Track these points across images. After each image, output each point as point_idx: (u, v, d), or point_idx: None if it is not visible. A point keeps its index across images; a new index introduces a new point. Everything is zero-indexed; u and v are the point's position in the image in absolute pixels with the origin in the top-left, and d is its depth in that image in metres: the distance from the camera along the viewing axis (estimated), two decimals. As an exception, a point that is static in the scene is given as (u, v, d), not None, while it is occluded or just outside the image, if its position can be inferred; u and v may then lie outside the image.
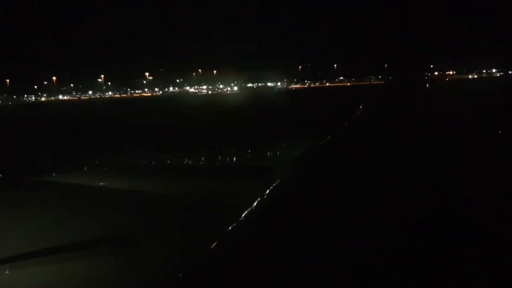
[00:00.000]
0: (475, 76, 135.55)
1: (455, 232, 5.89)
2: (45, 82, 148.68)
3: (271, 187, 8.52)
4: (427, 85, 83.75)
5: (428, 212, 6.95)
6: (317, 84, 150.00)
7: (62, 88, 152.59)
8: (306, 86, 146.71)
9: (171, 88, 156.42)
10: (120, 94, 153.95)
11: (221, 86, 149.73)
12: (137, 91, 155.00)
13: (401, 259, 5.21)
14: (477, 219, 6.37)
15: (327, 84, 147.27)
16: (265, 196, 7.87)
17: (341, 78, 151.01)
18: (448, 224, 6.27)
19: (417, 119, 22.85)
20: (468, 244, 5.44)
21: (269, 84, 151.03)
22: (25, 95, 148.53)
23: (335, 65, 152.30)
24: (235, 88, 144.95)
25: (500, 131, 16.17)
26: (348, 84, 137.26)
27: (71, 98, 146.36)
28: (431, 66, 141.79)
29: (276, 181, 9.17)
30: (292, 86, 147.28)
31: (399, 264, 5.08)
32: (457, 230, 6.02)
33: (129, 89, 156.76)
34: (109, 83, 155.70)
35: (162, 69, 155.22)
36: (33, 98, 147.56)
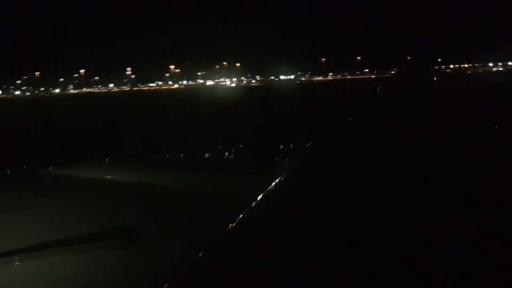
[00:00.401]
0: (501, 69, 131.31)
1: (458, 232, 5.68)
2: (76, 75, 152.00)
3: (274, 183, 8.34)
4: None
5: (434, 211, 6.69)
6: (338, 76, 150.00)
7: (74, 81, 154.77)
8: (330, 78, 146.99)
9: (187, 81, 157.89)
10: (150, 86, 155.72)
11: (242, 79, 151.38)
12: (158, 84, 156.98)
13: (401, 259, 5.03)
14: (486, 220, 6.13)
15: (348, 76, 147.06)
16: (266, 193, 7.69)
17: (366, 70, 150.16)
18: (454, 225, 6.04)
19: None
20: (470, 245, 5.24)
21: (288, 77, 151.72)
22: (51, 88, 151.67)
23: (358, 58, 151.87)
24: (252, 81, 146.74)
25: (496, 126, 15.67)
26: (373, 76, 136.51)
27: (99, 90, 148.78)
28: (439, 59, 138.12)
29: (281, 175, 8.99)
30: (315, 78, 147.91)
31: (399, 264, 4.91)
32: (461, 230, 5.80)
33: (158, 82, 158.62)
34: (133, 76, 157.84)
35: (187, 62, 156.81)
36: (58, 90, 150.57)
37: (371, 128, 18.05)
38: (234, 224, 6.44)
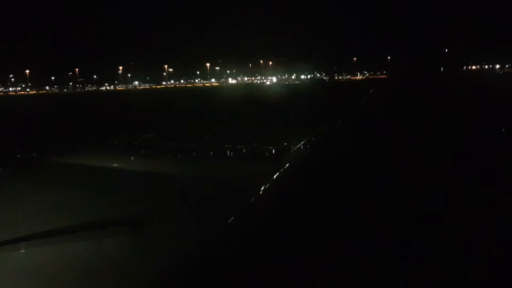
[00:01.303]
0: None
1: (459, 232, 5.58)
2: (120, 71, 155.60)
3: (273, 178, 8.27)
4: None
5: (435, 211, 6.56)
6: (367, 75, 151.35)
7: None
8: (364, 77, 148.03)
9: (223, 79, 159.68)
10: (191, 83, 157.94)
11: (278, 77, 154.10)
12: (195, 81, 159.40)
13: (402, 259, 4.99)
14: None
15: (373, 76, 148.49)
16: (265, 189, 7.66)
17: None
18: (455, 224, 5.93)
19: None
20: (470, 245, 5.15)
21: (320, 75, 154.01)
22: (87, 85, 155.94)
23: (388, 57, 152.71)
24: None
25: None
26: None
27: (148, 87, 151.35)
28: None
29: (286, 165, 8.94)
30: (347, 76, 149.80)
31: (399, 264, 4.87)
32: (462, 230, 5.69)
33: (198, 79, 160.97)
34: (165, 73, 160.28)
35: (220, 60, 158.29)
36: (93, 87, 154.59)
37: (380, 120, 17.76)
38: (234, 217, 6.46)
